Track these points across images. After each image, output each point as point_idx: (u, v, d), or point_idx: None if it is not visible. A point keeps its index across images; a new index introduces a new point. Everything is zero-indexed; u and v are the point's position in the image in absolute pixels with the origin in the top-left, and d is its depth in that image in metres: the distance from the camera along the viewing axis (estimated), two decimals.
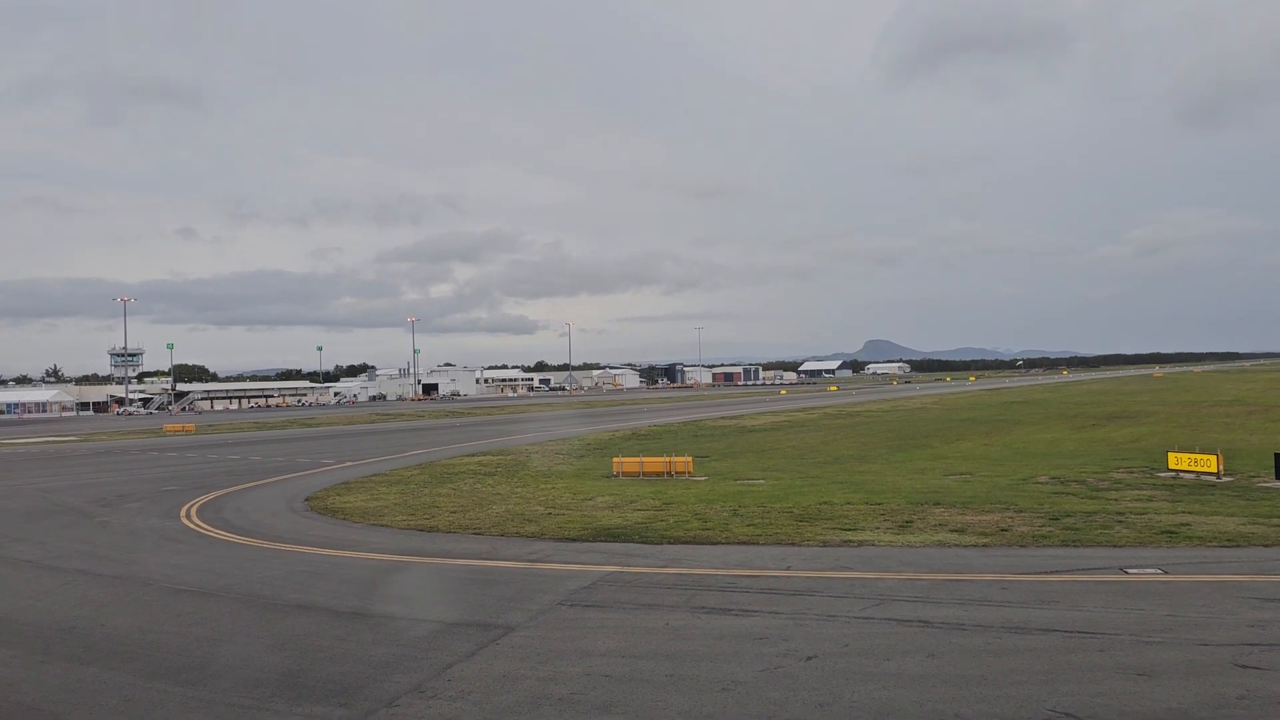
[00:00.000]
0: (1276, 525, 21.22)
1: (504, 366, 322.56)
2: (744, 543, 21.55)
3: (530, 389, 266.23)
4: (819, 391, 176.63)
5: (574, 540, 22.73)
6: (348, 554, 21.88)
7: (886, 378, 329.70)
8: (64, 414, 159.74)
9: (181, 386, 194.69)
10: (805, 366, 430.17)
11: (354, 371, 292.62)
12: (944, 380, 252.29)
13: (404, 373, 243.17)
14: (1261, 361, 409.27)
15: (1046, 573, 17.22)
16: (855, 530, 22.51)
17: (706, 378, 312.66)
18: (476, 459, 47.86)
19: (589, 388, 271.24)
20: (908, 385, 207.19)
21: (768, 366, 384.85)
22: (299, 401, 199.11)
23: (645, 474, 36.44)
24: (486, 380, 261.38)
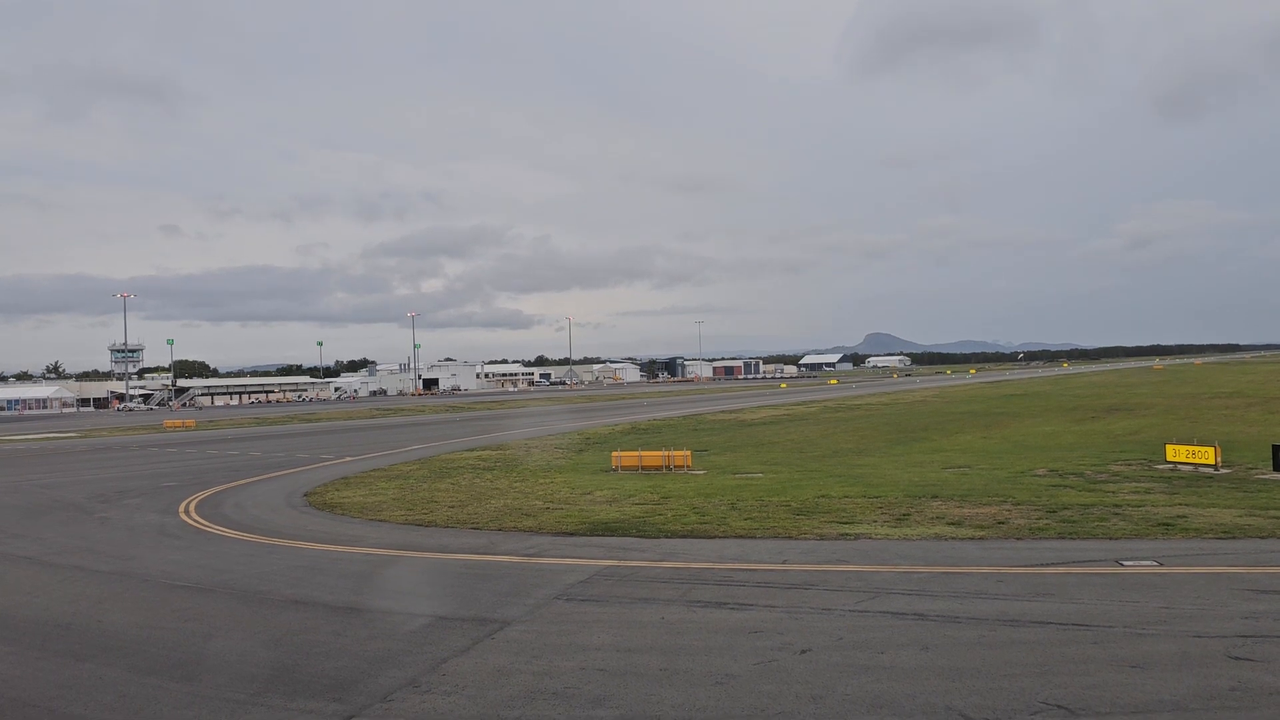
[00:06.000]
0: (1273, 517, 21.24)
1: (504, 361, 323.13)
2: (741, 536, 21.58)
3: (531, 384, 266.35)
4: (819, 385, 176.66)
5: (572, 534, 22.77)
6: (345, 549, 21.92)
7: (887, 371, 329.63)
8: (64, 410, 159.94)
9: (182, 382, 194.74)
10: (805, 360, 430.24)
11: (354, 367, 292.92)
12: (944, 373, 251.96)
13: (404, 368, 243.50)
14: (1262, 353, 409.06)
15: (1042, 565, 17.25)
16: (852, 523, 22.53)
17: (707, 371, 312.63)
18: (476, 454, 47.91)
19: (589, 382, 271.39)
20: (908, 378, 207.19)
21: (768, 360, 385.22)
22: (299, 397, 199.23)
23: (644, 468, 36.47)
24: (487, 375, 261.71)
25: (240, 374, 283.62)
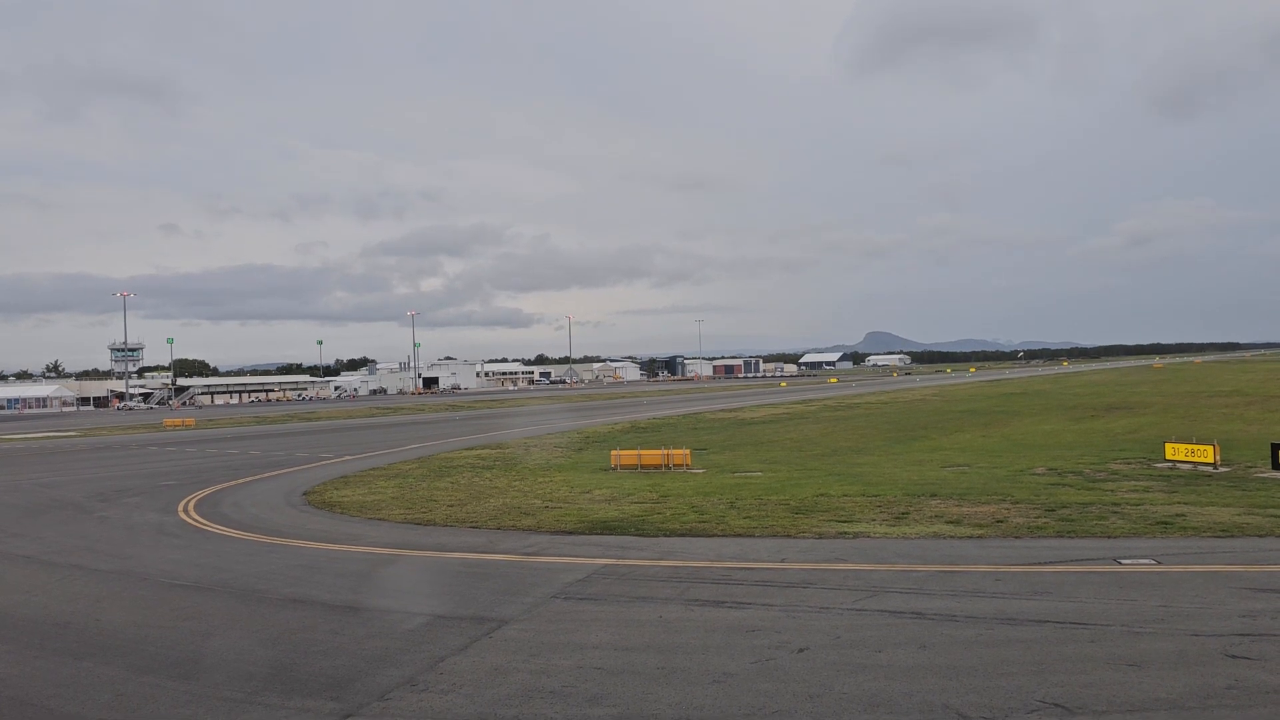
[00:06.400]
0: (1271, 515, 21.24)
1: (504, 360, 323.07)
2: (740, 535, 21.58)
3: (531, 382, 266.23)
4: (819, 383, 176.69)
5: (570, 533, 22.76)
6: (344, 548, 21.92)
7: (887, 369, 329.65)
8: (65, 409, 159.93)
9: (182, 381, 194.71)
10: (806, 358, 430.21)
11: (354, 365, 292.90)
12: (944, 372, 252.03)
13: (404, 366, 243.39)
14: (1262, 352, 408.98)
15: (1040, 564, 17.25)
16: (851, 522, 22.53)
17: (707, 370, 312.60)
18: (475, 452, 47.91)
19: (589, 381, 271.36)
20: (908, 377, 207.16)
21: (768, 359, 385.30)
22: (299, 396, 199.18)
23: (643, 467, 36.47)
24: (487, 374, 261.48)
25: (240, 373, 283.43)
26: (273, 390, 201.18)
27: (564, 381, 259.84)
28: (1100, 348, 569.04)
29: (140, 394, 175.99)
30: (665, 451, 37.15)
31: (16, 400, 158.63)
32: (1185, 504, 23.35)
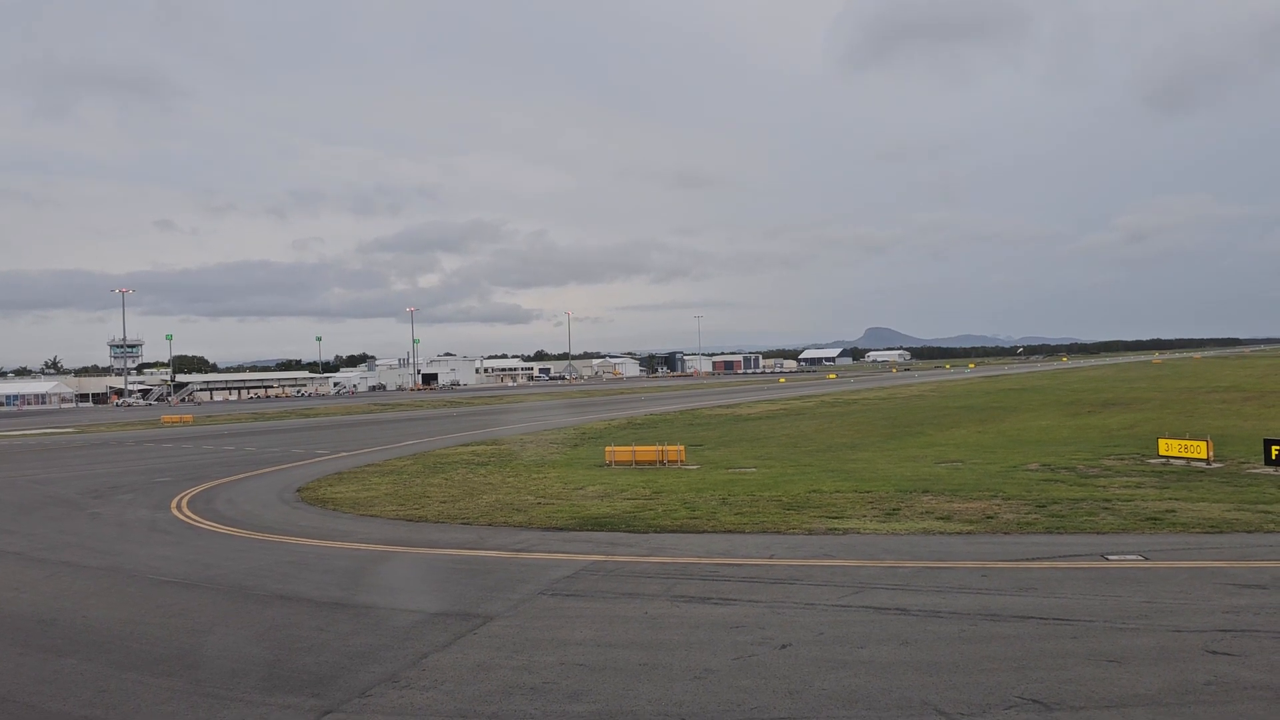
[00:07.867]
0: (1261, 511, 21.24)
1: (504, 356, 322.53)
2: (730, 531, 21.59)
3: (530, 378, 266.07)
4: (818, 379, 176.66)
5: (561, 529, 22.78)
6: (335, 544, 21.93)
7: (886, 365, 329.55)
8: (63, 405, 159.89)
9: (181, 378, 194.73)
10: (805, 354, 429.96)
11: (354, 362, 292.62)
12: (943, 368, 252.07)
13: (403, 363, 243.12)
14: (1261, 347, 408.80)
15: (1028, 560, 17.26)
16: (841, 518, 22.54)
17: (706, 366, 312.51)
18: (471, 449, 47.93)
19: (589, 377, 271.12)
20: (907, 373, 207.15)
21: (768, 355, 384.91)
22: (298, 392, 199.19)
23: (638, 463, 36.50)
24: (486, 370, 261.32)
25: (240, 369, 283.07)
26: (272, 387, 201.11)
27: (563, 378, 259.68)
28: (1100, 343, 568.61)
29: (139, 390, 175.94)
30: (660, 448, 37.18)
31: (15, 397, 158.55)
32: (1176, 500, 23.36)
